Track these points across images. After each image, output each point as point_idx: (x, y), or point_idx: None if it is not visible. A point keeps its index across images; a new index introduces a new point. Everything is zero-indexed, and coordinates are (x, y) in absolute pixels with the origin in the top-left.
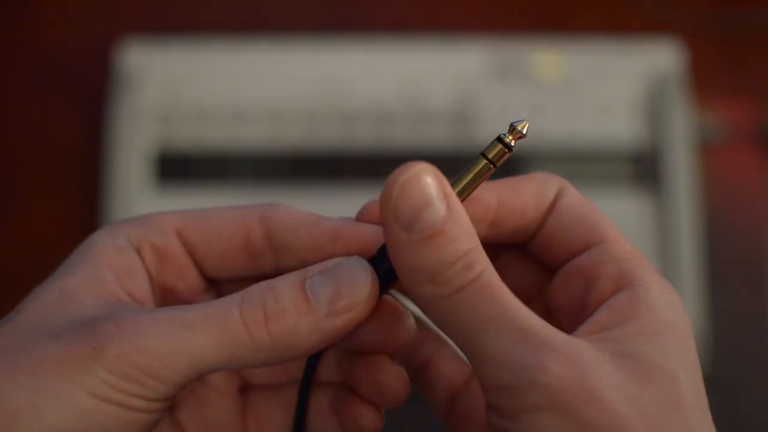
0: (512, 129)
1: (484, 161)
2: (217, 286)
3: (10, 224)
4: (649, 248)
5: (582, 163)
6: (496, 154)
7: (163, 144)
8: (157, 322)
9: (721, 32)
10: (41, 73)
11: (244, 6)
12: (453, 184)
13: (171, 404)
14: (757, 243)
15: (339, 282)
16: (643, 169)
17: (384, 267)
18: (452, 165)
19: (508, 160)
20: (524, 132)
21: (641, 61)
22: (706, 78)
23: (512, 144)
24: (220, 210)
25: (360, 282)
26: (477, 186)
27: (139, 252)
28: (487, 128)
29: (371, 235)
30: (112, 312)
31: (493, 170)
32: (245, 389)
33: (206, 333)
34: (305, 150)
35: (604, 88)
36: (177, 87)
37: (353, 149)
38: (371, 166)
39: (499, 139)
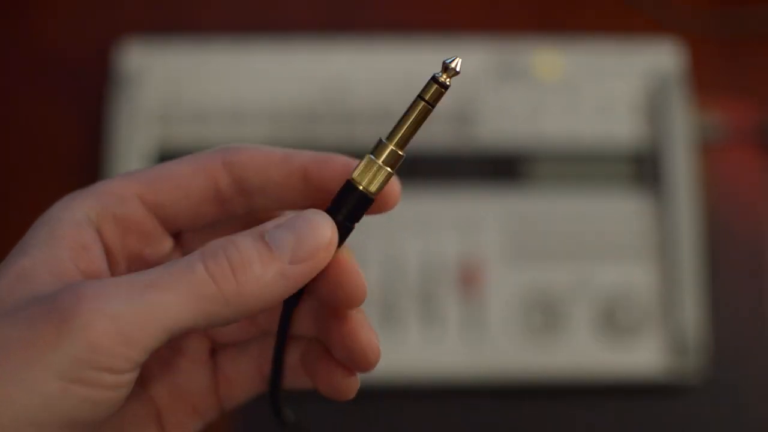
0: (446, 67)
1: (422, 103)
2: (181, 241)
3: (9, 224)
4: (649, 248)
5: (582, 163)
6: (432, 94)
7: (163, 144)
8: (119, 286)
9: (721, 32)
10: (41, 74)
11: (244, 6)
12: (395, 129)
13: (139, 379)
14: (757, 243)
15: (299, 230)
16: (643, 169)
17: (339, 218)
18: (452, 165)
19: (514, 159)
20: (458, 69)
21: (641, 61)
22: (706, 78)
23: (447, 83)
24: (180, 164)
25: (319, 227)
26: (418, 128)
27: (99, 226)
28: (487, 128)
29: (340, 169)
30: (69, 284)
31: (431, 110)
32: (214, 351)
33: (173, 290)
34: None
35: (604, 88)
36: (177, 87)
37: (353, 149)
38: None
39: (434, 79)
